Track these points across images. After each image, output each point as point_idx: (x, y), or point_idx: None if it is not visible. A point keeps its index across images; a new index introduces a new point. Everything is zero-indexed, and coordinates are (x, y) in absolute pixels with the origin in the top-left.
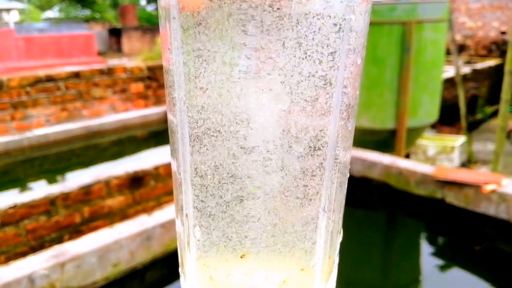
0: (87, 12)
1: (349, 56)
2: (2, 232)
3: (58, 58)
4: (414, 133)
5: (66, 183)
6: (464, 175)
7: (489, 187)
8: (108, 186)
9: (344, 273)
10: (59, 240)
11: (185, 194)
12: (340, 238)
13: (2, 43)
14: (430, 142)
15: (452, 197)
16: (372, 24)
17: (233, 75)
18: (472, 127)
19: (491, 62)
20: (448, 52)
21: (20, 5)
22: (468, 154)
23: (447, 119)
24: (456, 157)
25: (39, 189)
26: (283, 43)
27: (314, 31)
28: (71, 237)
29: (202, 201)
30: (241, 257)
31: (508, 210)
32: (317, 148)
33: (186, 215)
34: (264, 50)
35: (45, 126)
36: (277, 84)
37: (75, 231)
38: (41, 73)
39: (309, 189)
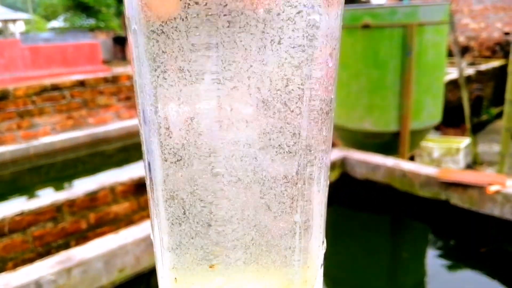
0: (92, 21)
1: (318, 59)
2: (10, 239)
3: (63, 67)
4: (418, 135)
5: (72, 190)
6: (468, 176)
7: (493, 188)
8: (113, 193)
9: (349, 276)
10: (66, 246)
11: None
12: (323, 249)
13: (8, 53)
14: (435, 144)
15: (456, 199)
16: (373, 27)
17: (200, 85)
18: (477, 129)
19: (495, 63)
20: (451, 54)
21: (25, 16)
22: (473, 155)
23: (452, 120)
24: (461, 159)
25: (46, 197)
26: (249, 48)
27: (280, 35)
28: (77, 243)
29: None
30: (210, 267)
31: None
32: (290, 154)
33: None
34: (229, 56)
35: (51, 134)
36: (244, 90)
37: (81, 237)
38: (47, 82)
39: (284, 198)
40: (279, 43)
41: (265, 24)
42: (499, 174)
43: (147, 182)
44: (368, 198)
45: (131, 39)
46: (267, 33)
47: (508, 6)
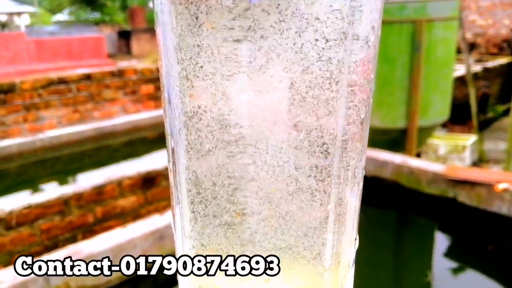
0: (97, 15)
1: (357, 47)
2: (17, 232)
3: (68, 60)
4: (425, 132)
5: (79, 183)
6: (476, 174)
7: (501, 186)
8: (120, 187)
9: (356, 273)
10: (73, 240)
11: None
12: (355, 245)
13: (13, 46)
14: (441, 141)
15: (464, 196)
16: (382, 23)
17: (231, 73)
18: (484, 126)
19: (502, 60)
20: (458, 51)
21: (30, 9)
22: (480, 153)
23: (458, 118)
24: (468, 156)
25: (53, 190)
26: (284, 36)
27: (314, 22)
28: (84, 237)
29: (199, 202)
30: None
31: None
32: (325, 146)
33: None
34: (262, 44)
35: (57, 128)
36: (277, 81)
37: (89, 231)
38: (53, 75)
39: (317, 192)
40: (310, 27)
41: (301, 8)
42: (506, 172)
43: (170, 169)
44: (375, 195)
45: (158, 24)
46: (304, 17)
47: None
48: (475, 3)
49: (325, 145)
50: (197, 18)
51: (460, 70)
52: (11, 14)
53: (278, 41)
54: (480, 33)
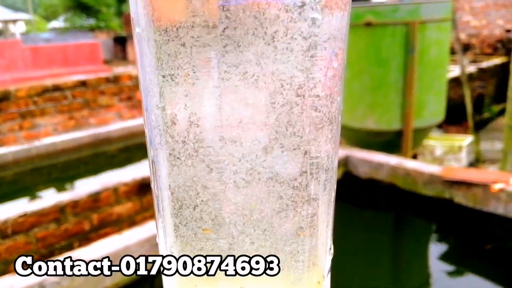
0: (92, 21)
1: (321, 59)
2: (13, 240)
3: (64, 67)
4: (421, 133)
5: (75, 190)
6: (472, 175)
7: (497, 186)
8: (116, 193)
9: (353, 275)
10: (69, 248)
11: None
12: (330, 255)
13: (9, 54)
14: (437, 142)
15: (460, 197)
16: (375, 25)
17: (204, 86)
18: (479, 126)
19: (497, 61)
20: (453, 52)
21: (26, 16)
22: (476, 153)
23: (454, 118)
24: (464, 157)
25: (48, 197)
26: (250, 50)
27: (281, 35)
28: (80, 244)
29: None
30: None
31: None
32: (294, 155)
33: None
34: (231, 59)
35: (53, 135)
36: (246, 91)
37: (85, 238)
38: (48, 82)
39: (291, 202)
40: (279, 43)
41: (266, 26)
42: (502, 172)
43: (152, 184)
44: (371, 197)
45: (136, 39)
46: (268, 34)
47: (510, 3)
48: (469, 4)
49: (297, 157)
50: (173, 31)
51: (455, 71)
52: (6, 22)
53: (253, 61)
54: (474, 33)
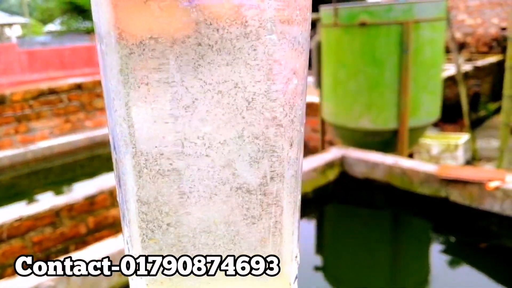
0: (88, 24)
1: (279, 76)
2: (9, 245)
3: (61, 70)
4: (416, 132)
5: (71, 194)
6: (468, 173)
7: (493, 184)
8: (112, 196)
9: (350, 275)
10: (65, 251)
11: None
12: (297, 261)
13: (5, 57)
14: (433, 141)
15: (456, 195)
16: (370, 25)
17: (166, 102)
18: (476, 124)
19: (492, 59)
20: (448, 51)
21: (22, 20)
22: (472, 151)
23: (450, 117)
24: (460, 155)
25: (44, 201)
26: (208, 67)
27: (239, 54)
28: (76, 248)
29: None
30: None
31: None
32: (257, 164)
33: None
34: (191, 74)
35: (49, 138)
36: (207, 106)
37: (81, 241)
38: (44, 86)
39: (251, 209)
40: (241, 59)
41: (222, 45)
42: (498, 170)
43: (118, 198)
44: (367, 197)
45: (100, 51)
46: (227, 52)
47: (504, 1)
48: (464, 3)
49: (260, 165)
50: (136, 45)
51: (450, 69)
52: (2, 26)
53: (214, 75)
54: (469, 32)
